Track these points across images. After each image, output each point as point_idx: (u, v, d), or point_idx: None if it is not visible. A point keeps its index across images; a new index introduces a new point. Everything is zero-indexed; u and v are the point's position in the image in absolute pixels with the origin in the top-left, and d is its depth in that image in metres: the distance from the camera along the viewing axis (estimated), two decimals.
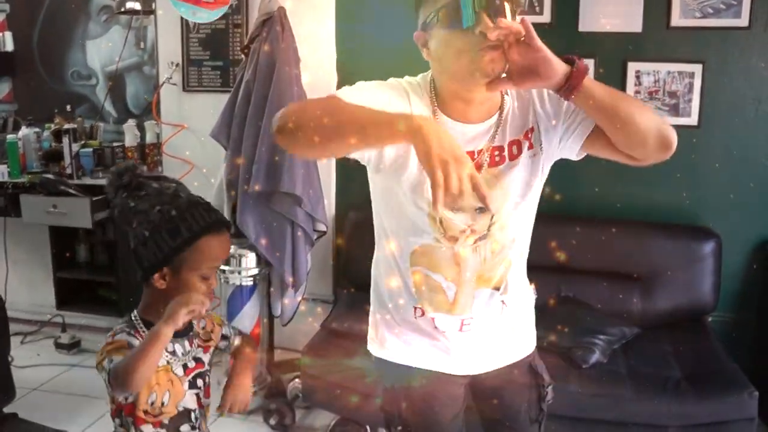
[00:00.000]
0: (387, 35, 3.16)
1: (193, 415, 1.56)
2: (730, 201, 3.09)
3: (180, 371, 1.54)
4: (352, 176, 3.37)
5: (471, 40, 1.30)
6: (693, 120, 3.05)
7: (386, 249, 1.60)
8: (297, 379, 3.00)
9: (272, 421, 2.92)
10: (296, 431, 2.94)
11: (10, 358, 2.87)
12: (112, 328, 1.52)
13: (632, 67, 3.05)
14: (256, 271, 2.98)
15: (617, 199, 3.08)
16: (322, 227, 3.05)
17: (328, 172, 3.32)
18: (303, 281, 3.00)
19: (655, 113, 1.38)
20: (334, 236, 3.41)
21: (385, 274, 1.63)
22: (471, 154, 1.41)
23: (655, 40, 3.03)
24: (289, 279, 2.92)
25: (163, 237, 1.45)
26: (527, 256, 1.64)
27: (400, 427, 1.66)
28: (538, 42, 1.26)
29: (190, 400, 1.55)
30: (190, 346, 1.56)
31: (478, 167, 1.41)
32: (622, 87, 3.06)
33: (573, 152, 1.47)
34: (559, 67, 1.28)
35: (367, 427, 2.75)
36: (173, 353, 1.52)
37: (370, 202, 3.52)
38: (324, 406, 2.85)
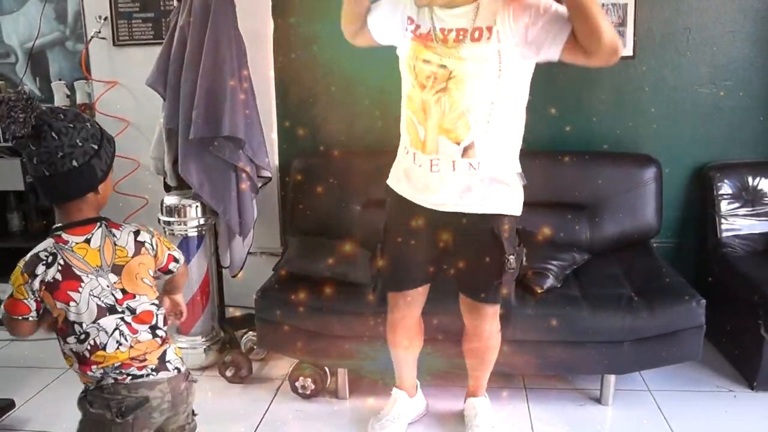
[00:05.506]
0: None
1: None
2: (667, 129, 3.17)
3: None
4: (295, 125, 3.31)
5: None
6: (628, 51, 3.10)
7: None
8: (251, 332, 2.95)
9: (228, 373, 2.85)
10: (254, 382, 2.88)
11: None
12: None
13: None
14: (202, 221, 2.89)
15: (558, 131, 3.11)
16: (266, 173, 2.98)
17: (269, 121, 3.23)
18: (250, 227, 2.93)
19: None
20: (279, 187, 3.35)
21: (401, 127, 2.14)
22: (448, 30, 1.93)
23: None
24: (236, 224, 2.85)
25: (107, 144, 1.62)
26: (510, 149, 2.07)
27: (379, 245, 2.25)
28: None
29: None
30: None
31: (446, 40, 1.93)
32: None
33: (555, 53, 1.87)
34: None
35: (326, 369, 2.72)
36: None
37: (313, 149, 3.55)
38: (280, 350, 2.80)
